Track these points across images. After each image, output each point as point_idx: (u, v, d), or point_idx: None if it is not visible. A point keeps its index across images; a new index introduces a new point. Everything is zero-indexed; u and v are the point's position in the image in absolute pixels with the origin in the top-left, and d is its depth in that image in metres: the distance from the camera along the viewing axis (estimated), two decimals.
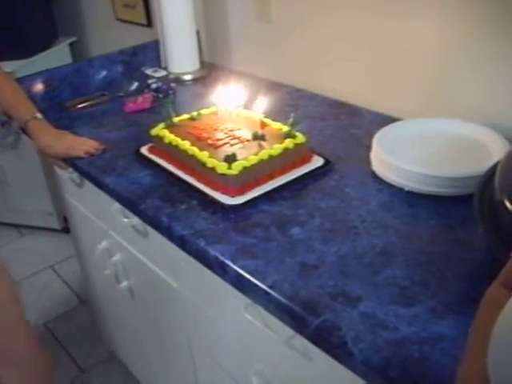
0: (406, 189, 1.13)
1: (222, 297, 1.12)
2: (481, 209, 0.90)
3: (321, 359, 0.87)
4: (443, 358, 0.76)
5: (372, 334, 0.80)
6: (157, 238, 1.19)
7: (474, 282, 0.90)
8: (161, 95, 1.72)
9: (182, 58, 1.91)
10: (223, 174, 1.13)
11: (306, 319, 0.85)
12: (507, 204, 0.83)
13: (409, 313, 0.83)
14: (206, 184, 1.17)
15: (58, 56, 2.72)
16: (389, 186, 1.16)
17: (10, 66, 2.27)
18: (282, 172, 1.20)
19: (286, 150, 1.19)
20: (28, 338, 1.49)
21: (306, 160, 1.24)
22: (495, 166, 0.95)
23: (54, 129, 1.47)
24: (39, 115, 1.46)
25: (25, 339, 1.48)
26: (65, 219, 2.89)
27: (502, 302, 0.46)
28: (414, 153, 1.19)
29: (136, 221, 1.29)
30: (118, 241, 1.51)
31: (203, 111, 1.40)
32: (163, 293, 1.39)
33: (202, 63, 1.97)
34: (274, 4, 1.73)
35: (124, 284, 1.57)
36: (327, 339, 0.82)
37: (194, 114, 1.38)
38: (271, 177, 1.18)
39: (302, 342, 0.91)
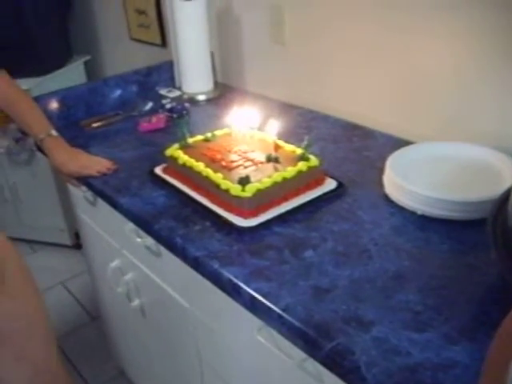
0: (419, 212, 1.13)
1: (235, 318, 1.12)
2: (494, 234, 0.91)
3: (333, 383, 0.88)
4: None
5: (385, 359, 0.80)
6: (170, 259, 1.20)
7: (486, 307, 0.90)
8: (175, 115, 1.74)
9: (196, 79, 1.93)
10: (237, 196, 1.14)
11: (319, 343, 0.85)
12: None
13: (421, 338, 0.84)
14: (220, 205, 1.19)
15: (72, 74, 2.76)
16: (401, 209, 1.16)
17: (24, 83, 2.30)
18: (296, 194, 1.21)
19: (299, 172, 1.20)
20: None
21: (319, 182, 1.25)
22: (509, 190, 0.95)
23: (69, 147, 1.49)
24: (55, 133, 1.48)
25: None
26: (76, 235, 2.91)
27: None
28: (426, 176, 1.20)
29: (149, 241, 1.30)
30: (130, 260, 1.52)
31: (217, 132, 1.41)
32: (175, 313, 1.40)
33: (216, 84, 1.99)
34: (287, 26, 1.75)
35: (136, 302, 1.58)
36: (340, 363, 0.82)
37: (208, 135, 1.40)
38: (285, 199, 1.19)
39: (314, 366, 0.92)
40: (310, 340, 0.87)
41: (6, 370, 1.19)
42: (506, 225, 0.89)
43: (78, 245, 2.92)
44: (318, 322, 0.88)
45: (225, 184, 1.16)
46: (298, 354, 0.92)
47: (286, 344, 0.94)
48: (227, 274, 1.01)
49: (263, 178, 1.18)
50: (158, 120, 1.70)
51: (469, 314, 0.89)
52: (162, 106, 1.77)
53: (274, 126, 1.34)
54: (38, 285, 2.43)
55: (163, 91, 1.85)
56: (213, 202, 1.20)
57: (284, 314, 0.91)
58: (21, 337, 1.22)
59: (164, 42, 2.35)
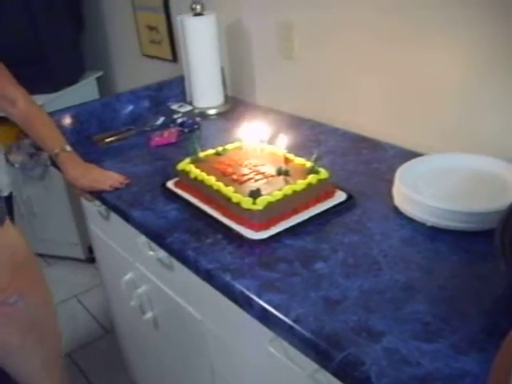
0: (429, 224, 1.14)
1: (247, 330, 1.13)
2: (502, 244, 0.91)
3: None
4: None
5: (395, 370, 0.81)
6: (182, 271, 1.22)
7: (495, 317, 0.91)
8: (186, 130, 1.76)
9: (206, 93, 1.95)
10: (248, 209, 1.15)
11: (330, 354, 0.86)
12: None
13: (431, 348, 0.85)
14: (231, 218, 1.20)
15: (84, 90, 2.79)
16: (411, 220, 1.17)
17: (38, 99, 2.32)
18: (306, 207, 1.22)
19: (309, 185, 1.22)
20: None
21: (329, 195, 1.26)
22: None
23: (83, 162, 1.52)
24: (69, 148, 1.51)
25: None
26: (89, 249, 2.93)
27: None
28: (435, 188, 1.21)
29: (162, 254, 1.32)
30: (143, 273, 1.54)
31: (228, 146, 1.43)
32: (188, 325, 1.41)
33: (226, 98, 2.01)
34: (296, 41, 1.77)
35: (149, 315, 1.60)
36: (351, 374, 0.83)
37: (220, 149, 1.42)
38: (295, 212, 1.21)
39: (325, 377, 0.93)
40: (321, 351, 0.88)
41: (30, 352, 1.20)
42: None
43: (91, 259, 2.95)
44: (328, 332, 0.89)
45: (236, 197, 1.18)
46: (310, 364, 0.93)
47: (298, 355, 0.95)
48: (239, 286, 1.03)
49: (274, 191, 1.19)
50: (170, 135, 1.72)
51: (478, 325, 0.90)
52: (174, 121, 1.79)
53: (284, 140, 1.35)
54: (55, 298, 2.44)
55: (174, 106, 1.87)
56: (224, 215, 1.22)
57: (295, 326, 0.92)
58: (44, 325, 1.26)
59: (175, 58, 2.38)
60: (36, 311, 1.19)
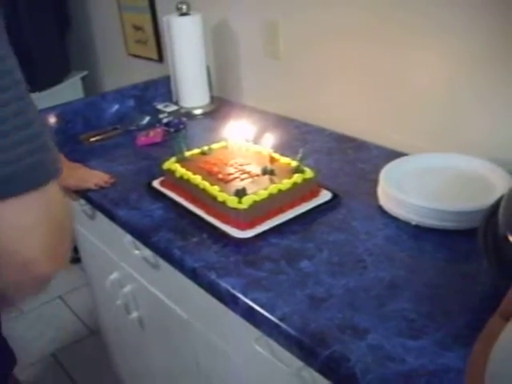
0: (413, 223, 1.15)
1: (233, 329, 1.13)
2: (485, 243, 0.92)
3: None
4: None
5: (380, 366, 0.82)
6: (168, 270, 1.22)
7: (479, 314, 0.91)
8: (172, 129, 1.76)
9: (192, 93, 1.95)
10: (234, 208, 1.16)
11: (316, 351, 0.87)
12: (511, 239, 0.86)
13: (416, 345, 0.85)
14: (217, 217, 1.20)
15: (70, 90, 2.78)
16: (395, 219, 1.18)
17: None
18: (291, 206, 1.23)
19: (295, 184, 1.22)
20: None
21: (314, 194, 1.27)
22: (499, 200, 0.97)
23: (67, 161, 1.51)
24: None
25: None
26: (74, 250, 2.91)
27: (498, 331, 0.49)
28: (419, 187, 1.22)
29: (147, 253, 1.32)
30: (128, 272, 1.54)
31: (214, 146, 1.43)
32: (173, 324, 1.41)
33: (212, 98, 2.02)
34: (282, 41, 1.78)
35: (134, 315, 1.59)
36: (336, 370, 0.84)
37: (205, 148, 1.42)
38: (280, 211, 1.21)
39: (311, 374, 0.93)
40: (307, 348, 0.88)
41: None
42: (496, 234, 0.90)
43: (75, 259, 2.92)
44: (314, 330, 0.90)
45: (221, 196, 1.18)
46: (295, 362, 0.94)
47: (284, 353, 0.95)
48: (224, 284, 1.03)
49: (259, 190, 1.20)
50: (156, 134, 1.72)
51: (462, 321, 0.90)
52: (159, 121, 1.79)
53: (270, 139, 1.36)
54: (36, 299, 2.42)
55: (160, 106, 1.87)
56: (210, 214, 1.22)
57: (281, 324, 0.92)
58: None
59: (161, 58, 2.38)
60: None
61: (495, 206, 0.97)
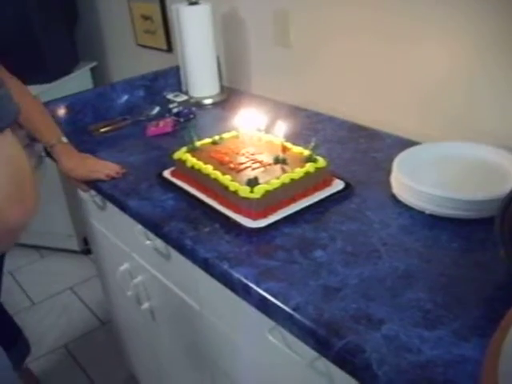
0: (427, 212, 1.14)
1: (245, 319, 1.13)
2: (502, 232, 0.91)
3: (343, 382, 0.88)
4: (468, 381, 0.76)
5: (396, 357, 0.81)
6: (179, 261, 1.21)
7: (495, 304, 0.91)
8: (182, 119, 1.75)
9: (202, 83, 1.94)
10: (246, 198, 1.15)
11: (330, 341, 0.86)
12: None
13: (432, 335, 0.84)
14: (229, 207, 1.19)
15: (79, 81, 2.77)
16: (409, 209, 1.17)
17: (32, 90, 2.31)
18: (304, 195, 1.21)
19: (307, 173, 1.21)
20: None
21: (326, 183, 1.25)
22: None
23: (78, 153, 1.51)
24: (65, 139, 1.50)
25: None
26: (84, 241, 2.92)
27: None
28: (433, 176, 1.21)
29: (159, 243, 1.31)
30: (139, 263, 1.53)
31: (225, 135, 1.42)
32: (185, 315, 1.40)
33: (222, 87, 2.00)
34: (292, 30, 1.76)
35: (145, 306, 1.59)
36: (351, 361, 0.83)
37: (216, 138, 1.41)
38: (293, 200, 1.20)
39: (325, 365, 0.92)
40: (321, 339, 0.87)
41: None
42: None
43: (86, 250, 2.94)
44: (328, 320, 0.89)
45: (233, 186, 1.17)
46: (309, 353, 0.93)
47: (297, 343, 0.94)
48: (237, 274, 1.02)
49: (271, 179, 1.19)
50: (166, 124, 1.71)
51: (478, 312, 0.89)
52: (169, 111, 1.78)
53: (282, 128, 1.34)
54: (48, 290, 2.43)
55: (170, 96, 1.85)
56: (221, 203, 1.21)
57: (294, 314, 0.91)
58: None
59: (170, 47, 2.36)
60: None
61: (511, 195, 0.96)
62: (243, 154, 1.31)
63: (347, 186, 1.26)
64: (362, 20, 1.54)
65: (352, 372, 0.84)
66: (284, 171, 1.22)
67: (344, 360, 0.84)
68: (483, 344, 0.82)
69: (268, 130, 1.41)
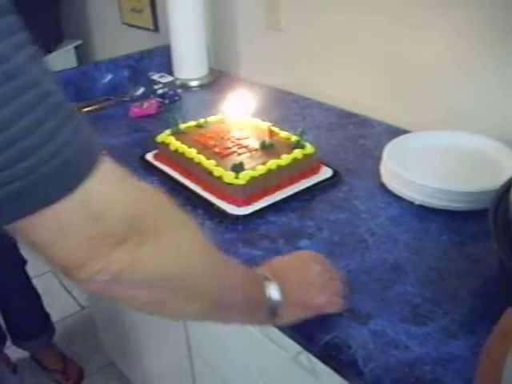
0: (417, 202, 1.11)
1: None
2: (495, 224, 0.88)
3: (327, 377, 0.85)
4: (456, 379, 0.73)
5: (383, 354, 0.78)
6: None
7: (486, 299, 0.88)
8: (167, 101, 1.71)
9: (189, 64, 1.89)
10: (230, 184, 1.11)
11: (315, 336, 0.83)
12: None
13: (420, 332, 0.81)
14: (213, 193, 1.15)
15: (63, 59, 2.71)
16: (399, 199, 1.14)
17: None
18: (291, 182, 1.18)
19: (294, 160, 1.17)
20: None
21: (314, 171, 1.22)
22: (510, 181, 0.93)
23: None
24: None
25: None
26: None
27: None
28: (424, 166, 1.17)
29: None
30: None
31: (210, 119, 1.38)
32: None
33: (210, 69, 1.95)
34: (283, 12, 1.71)
35: None
36: (336, 357, 0.80)
37: (201, 121, 1.36)
38: (279, 187, 1.16)
39: (309, 359, 0.89)
40: (306, 333, 0.84)
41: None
42: (506, 215, 0.86)
43: None
44: None
45: (218, 171, 1.13)
46: (293, 347, 0.89)
47: (282, 338, 0.91)
48: None
49: (257, 165, 1.14)
50: (150, 105, 1.66)
51: (468, 307, 0.86)
52: (154, 92, 1.73)
53: (268, 112, 1.30)
54: (29, 271, 2.39)
55: (155, 76, 1.80)
56: (205, 189, 1.17)
57: None
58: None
59: (156, 27, 2.31)
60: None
61: (505, 187, 0.93)
62: (229, 139, 1.27)
63: (335, 173, 1.23)
64: (355, 6, 1.50)
65: (337, 368, 0.81)
66: (270, 157, 1.18)
67: (329, 355, 0.81)
68: (472, 342, 0.79)
69: (255, 114, 1.36)
